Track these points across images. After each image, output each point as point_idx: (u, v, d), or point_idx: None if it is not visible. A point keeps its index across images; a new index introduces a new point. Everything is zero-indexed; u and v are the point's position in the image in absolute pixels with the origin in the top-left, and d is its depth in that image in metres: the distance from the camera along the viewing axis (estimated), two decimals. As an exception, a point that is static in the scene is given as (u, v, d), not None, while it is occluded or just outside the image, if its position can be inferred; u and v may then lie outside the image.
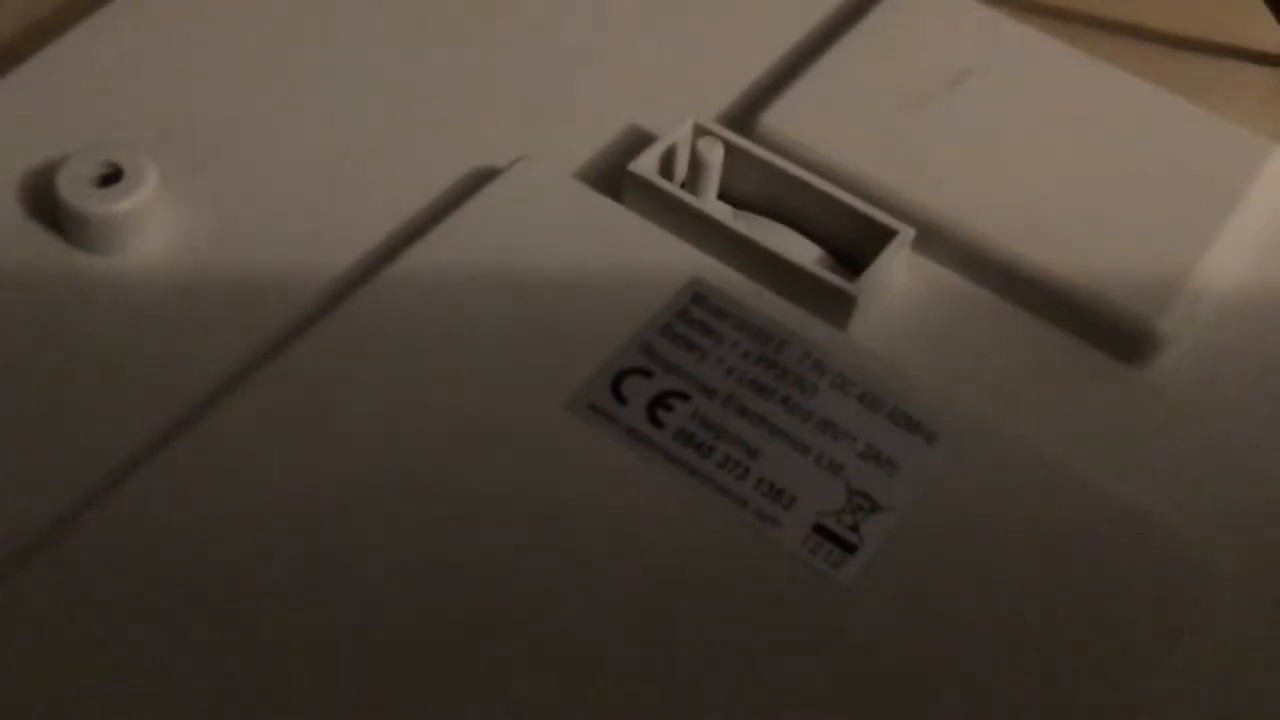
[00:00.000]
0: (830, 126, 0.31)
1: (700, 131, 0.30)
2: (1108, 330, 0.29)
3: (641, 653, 0.23)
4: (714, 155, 0.29)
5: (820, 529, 0.24)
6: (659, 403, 0.26)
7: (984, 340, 0.29)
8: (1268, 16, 0.39)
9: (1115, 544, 0.25)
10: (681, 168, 0.30)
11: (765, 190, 0.30)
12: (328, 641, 0.22)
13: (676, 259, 0.28)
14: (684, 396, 0.26)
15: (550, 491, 0.24)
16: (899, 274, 0.29)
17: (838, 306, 0.28)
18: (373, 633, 0.22)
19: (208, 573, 0.23)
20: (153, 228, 0.28)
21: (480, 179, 0.29)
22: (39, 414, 0.25)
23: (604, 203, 0.29)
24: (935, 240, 0.30)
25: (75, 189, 0.27)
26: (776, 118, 0.31)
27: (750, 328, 0.27)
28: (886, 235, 0.29)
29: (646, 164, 0.29)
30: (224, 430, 0.25)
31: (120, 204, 0.27)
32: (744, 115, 0.32)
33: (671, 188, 0.29)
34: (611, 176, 0.30)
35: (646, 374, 0.26)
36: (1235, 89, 0.39)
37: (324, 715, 0.22)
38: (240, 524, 0.23)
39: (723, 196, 0.30)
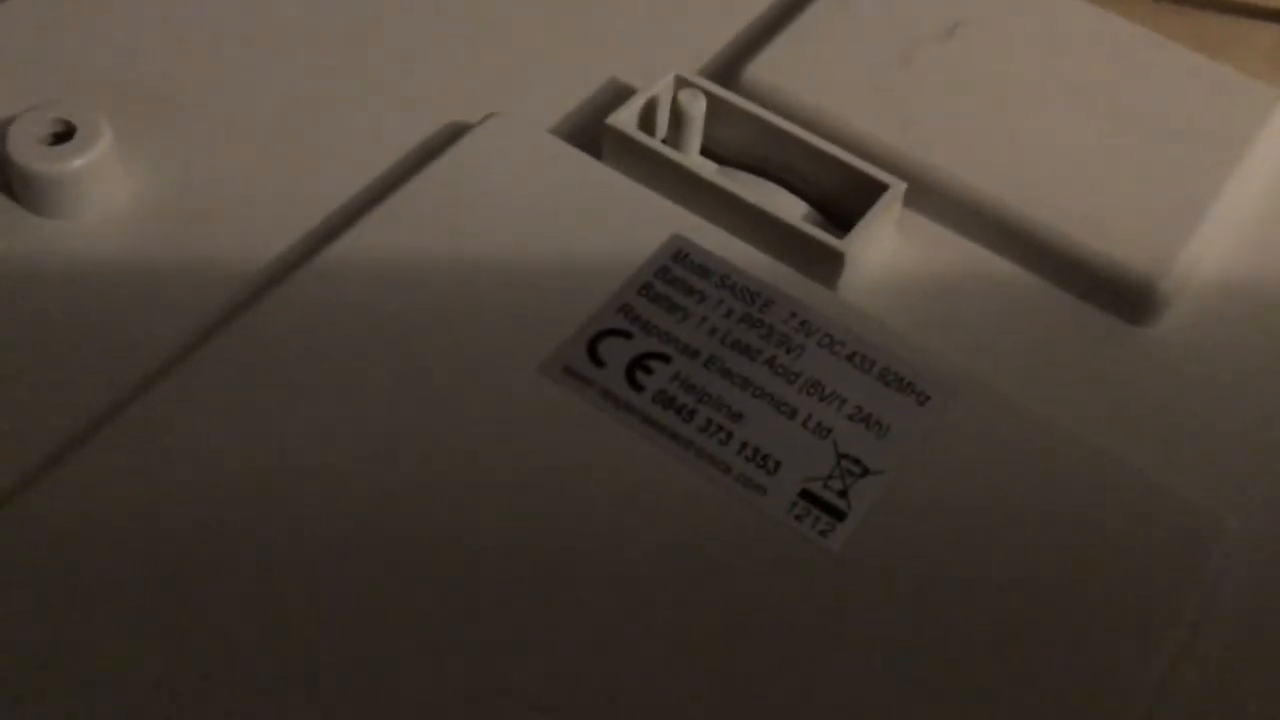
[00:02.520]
0: (818, 78, 0.30)
1: (682, 84, 0.29)
2: (1107, 288, 0.28)
3: (622, 625, 0.22)
4: (696, 108, 0.28)
5: (807, 495, 0.23)
6: (638, 365, 0.24)
7: (978, 298, 0.28)
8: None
9: (1116, 505, 0.24)
10: (663, 122, 0.29)
11: (750, 145, 0.29)
12: (295, 616, 0.21)
13: (656, 216, 0.27)
14: (664, 358, 0.25)
15: (522, 458, 0.23)
16: (889, 230, 0.28)
17: (826, 264, 0.27)
18: (347, 602, 0.21)
19: (163, 544, 0.22)
20: (107, 188, 0.27)
21: (452, 134, 0.28)
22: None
23: (581, 158, 0.28)
24: (927, 195, 0.28)
25: (26, 147, 0.26)
26: (761, 69, 0.30)
27: (734, 286, 0.26)
28: (877, 190, 0.28)
29: (625, 117, 0.28)
30: (185, 396, 0.24)
31: (72, 162, 0.26)
32: (728, 68, 0.31)
33: (651, 142, 0.28)
34: (589, 131, 0.29)
35: (625, 335, 0.25)
36: (1241, 44, 0.38)
37: (290, 688, 0.21)
38: (205, 495, 0.22)
39: (706, 153, 0.29)
